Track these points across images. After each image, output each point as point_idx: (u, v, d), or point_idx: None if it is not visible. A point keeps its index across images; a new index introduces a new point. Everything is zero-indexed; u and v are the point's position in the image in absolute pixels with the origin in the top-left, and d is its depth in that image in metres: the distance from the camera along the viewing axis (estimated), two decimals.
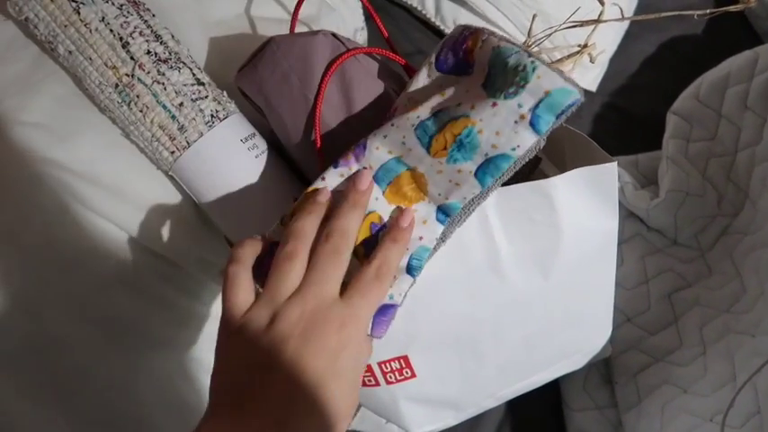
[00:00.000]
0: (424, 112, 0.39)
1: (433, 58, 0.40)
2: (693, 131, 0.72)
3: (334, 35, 0.47)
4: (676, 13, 0.42)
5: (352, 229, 0.39)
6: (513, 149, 0.37)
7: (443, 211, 0.42)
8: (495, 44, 0.37)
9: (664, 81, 0.82)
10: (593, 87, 0.81)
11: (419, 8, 0.79)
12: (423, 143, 0.39)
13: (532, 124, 0.35)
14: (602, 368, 0.68)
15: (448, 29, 0.78)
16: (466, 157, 0.38)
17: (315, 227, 0.39)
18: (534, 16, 0.46)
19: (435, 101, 0.39)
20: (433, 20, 0.79)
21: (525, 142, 0.36)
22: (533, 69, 0.34)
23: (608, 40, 0.79)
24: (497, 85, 0.36)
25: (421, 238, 0.42)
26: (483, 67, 0.38)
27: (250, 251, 0.39)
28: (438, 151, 0.38)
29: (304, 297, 0.36)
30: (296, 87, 0.47)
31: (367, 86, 0.46)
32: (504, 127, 0.36)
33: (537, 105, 0.35)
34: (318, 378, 0.34)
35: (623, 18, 0.44)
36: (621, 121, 0.82)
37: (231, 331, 0.36)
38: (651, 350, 0.65)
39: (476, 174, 0.38)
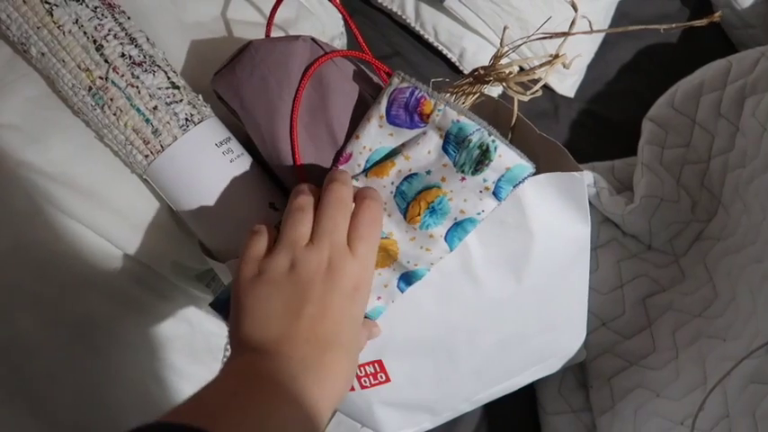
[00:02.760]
0: (396, 178, 0.43)
1: (383, 111, 0.43)
2: (668, 138, 0.73)
3: (313, 40, 0.47)
4: (642, 27, 0.43)
5: (349, 180, 0.42)
6: (479, 214, 0.43)
7: (405, 280, 0.46)
8: (455, 118, 0.42)
9: (640, 88, 0.84)
10: (570, 94, 0.82)
11: (399, 12, 0.79)
12: (401, 209, 0.44)
13: (495, 194, 0.43)
14: (578, 372, 0.68)
15: (428, 34, 0.79)
16: (437, 221, 0.43)
17: (316, 191, 0.42)
18: (505, 28, 0.47)
19: (403, 165, 0.43)
20: (413, 25, 0.79)
21: (488, 207, 0.43)
22: (495, 149, 0.41)
23: (585, 46, 0.80)
24: (461, 158, 0.42)
25: (379, 298, 0.47)
26: (438, 128, 0.43)
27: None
28: (413, 217, 0.43)
29: (320, 245, 0.38)
30: (273, 91, 0.47)
31: (344, 91, 0.46)
32: (471, 196, 0.43)
33: (499, 179, 0.42)
34: (343, 318, 0.38)
35: (592, 31, 0.44)
36: (598, 126, 0.83)
37: (250, 277, 0.38)
38: (625, 354, 0.66)
39: (445, 237, 0.44)
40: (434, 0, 0.75)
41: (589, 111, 0.83)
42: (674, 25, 0.40)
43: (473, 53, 0.78)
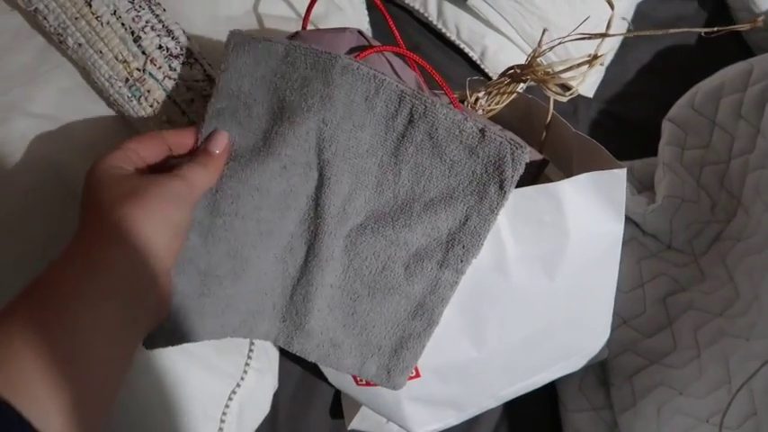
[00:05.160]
0: None
1: None
2: (688, 139, 0.74)
3: (360, 33, 0.47)
4: (684, 30, 0.43)
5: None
6: None
7: None
8: None
9: (658, 89, 0.84)
10: (590, 94, 0.83)
11: (421, 10, 0.79)
12: None
13: None
14: (598, 370, 0.69)
15: (449, 32, 0.79)
16: None
17: None
18: (544, 31, 0.47)
19: None
20: (434, 22, 0.79)
21: None
22: None
23: (606, 47, 0.81)
24: None
25: None
26: None
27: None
28: None
29: None
30: None
31: None
32: None
33: None
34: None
35: (631, 32, 0.45)
36: (617, 127, 0.83)
37: None
38: (646, 352, 0.66)
39: None
40: None
41: (608, 111, 0.84)
42: (715, 29, 0.41)
43: (494, 52, 0.78)
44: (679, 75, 0.82)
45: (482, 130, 0.42)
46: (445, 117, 0.42)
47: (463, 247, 0.45)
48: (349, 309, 0.45)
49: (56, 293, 0.30)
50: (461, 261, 0.45)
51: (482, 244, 0.45)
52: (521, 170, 0.43)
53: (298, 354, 0.46)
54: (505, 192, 0.43)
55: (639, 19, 0.86)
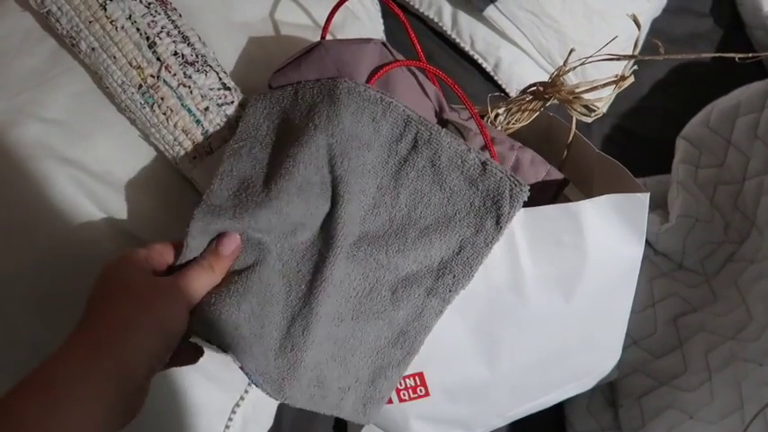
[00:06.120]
0: None
1: None
2: (702, 158, 0.73)
3: (384, 44, 0.46)
4: (717, 54, 0.42)
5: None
6: None
7: None
8: None
9: (672, 105, 0.84)
10: (603, 108, 0.82)
11: (436, 19, 0.78)
12: None
13: None
14: (607, 390, 0.68)
15: (464, 42, 0.78)
16: None
17: None
18: (571, 50, 0.46)
19: None
20: (449, 32, 0.78)
21: None
22: None
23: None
24: None
25: None
26: None
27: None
28: None
29: None
30: None
31: (410, 98, 0.46)
32: None
33: None
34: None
35: (661, 56, 0.44)
36: (629, 142, 0.83)
37: None
38: (656, 374, 0.65)
39: None
40: (473, 9, 0.74)
41: (621, 126, 0.83)
42: (749, 55, 0.40)
43: (509, 64, 0.77)
44: (693, 91, 0.82)
45: (484, 163, 0.43)
46: (449, 146, 0.42)
47: (454, 276, 0.44)
48: (332, 336, 0.44)
49: (51, 388, 0.33)
50: (450, 291, 0.45)
51: (473, 276, 0.44)
52: (519, 207, 0.43)
53: (285, 401, 0.43)
54: (501, 228, 0.43)
55: (655, 35, 0.85)
